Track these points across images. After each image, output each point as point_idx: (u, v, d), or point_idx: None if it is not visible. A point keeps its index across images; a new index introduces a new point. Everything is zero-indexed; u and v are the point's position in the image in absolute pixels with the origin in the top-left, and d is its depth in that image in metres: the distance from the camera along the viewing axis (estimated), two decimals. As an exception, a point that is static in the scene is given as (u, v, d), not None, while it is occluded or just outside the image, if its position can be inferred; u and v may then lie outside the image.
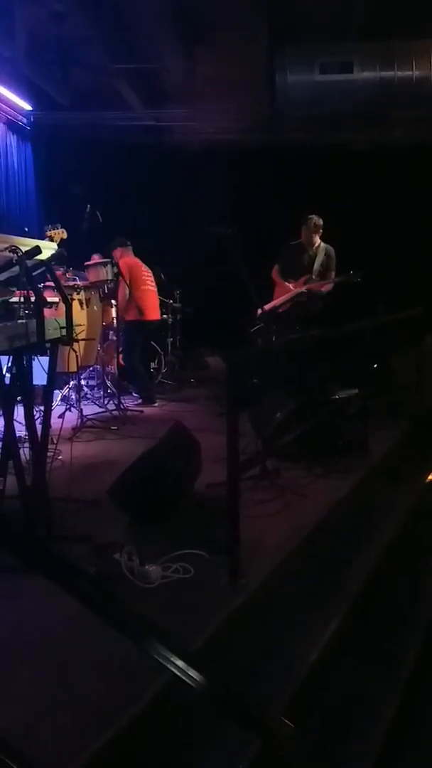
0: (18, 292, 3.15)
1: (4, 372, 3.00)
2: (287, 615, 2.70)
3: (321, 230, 6.28)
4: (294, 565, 2.98)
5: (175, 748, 1.92)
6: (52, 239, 5.02)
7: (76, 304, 5.57)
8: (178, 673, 1.35)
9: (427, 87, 6.78)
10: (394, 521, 3.81)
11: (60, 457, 4.20)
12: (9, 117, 7.92)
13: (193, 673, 1.33)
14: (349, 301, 6.45)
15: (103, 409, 6.05)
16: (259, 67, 6.97)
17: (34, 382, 3.22)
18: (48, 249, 3.31)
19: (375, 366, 5.37)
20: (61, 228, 5.23)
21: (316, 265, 6.26)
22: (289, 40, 6.75)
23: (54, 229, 5.22)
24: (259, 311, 5.43)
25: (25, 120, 8.30)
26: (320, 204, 7.83)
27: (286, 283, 6.30)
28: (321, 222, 6.27)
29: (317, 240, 6.31)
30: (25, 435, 3.18)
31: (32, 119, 8.39)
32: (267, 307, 6.02)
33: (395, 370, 6.06)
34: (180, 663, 1.35)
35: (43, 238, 4.76)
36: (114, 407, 6.01)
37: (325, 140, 8.36)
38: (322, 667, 2.47)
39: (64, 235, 5.18)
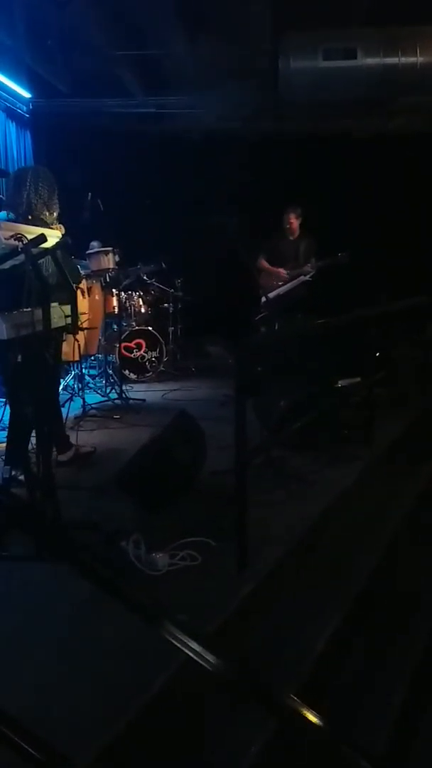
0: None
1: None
2: (295, 603, 2.71)
3: (300, 218, 6.53)
4: (301, 553, 2.98)
5: (188, 730, 1.93)
6: None
7: (78, 293, 5.54)
8: (194, 656, 1.35)
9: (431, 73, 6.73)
10: (400, 509, 3.82)
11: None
12: (8, 104, 7.85)
13: (208, 655, 1.34)
14: (351, 289, 6.47)
15: (105, 398, 6.05)
16: (262, 54, 6.91)
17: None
18: (53, 237, 3.30)
19: (378, 354, 5.35)
20: None
21: (301, 253, 6.50)
22: (292, 25, 6.70)
23: None
24: (263, 299, 5.43)
25: (24, 107, 8.22)
26: (324, 191, 7.82)
27: (280, 270, 6.40)
28: (300, 210, 6.53)
29: (297, 228, 6.54)
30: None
31: (31, 106, 8.31)
32: (271, 295, 6.03)
33: (400, 359, 6.05)
34: (195, 646, 1.36)
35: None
36: (116, 396, 6.02)
37: (328, 127, 8.30)
38: (331, 654, 2.48)
39: None
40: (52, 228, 3.81)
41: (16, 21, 6.61)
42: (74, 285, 4.13)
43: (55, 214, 4.00)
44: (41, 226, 3.83)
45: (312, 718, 1.31)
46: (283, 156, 8.26)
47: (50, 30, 6.82)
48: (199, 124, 8.43)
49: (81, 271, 5.07)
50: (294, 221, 6.50)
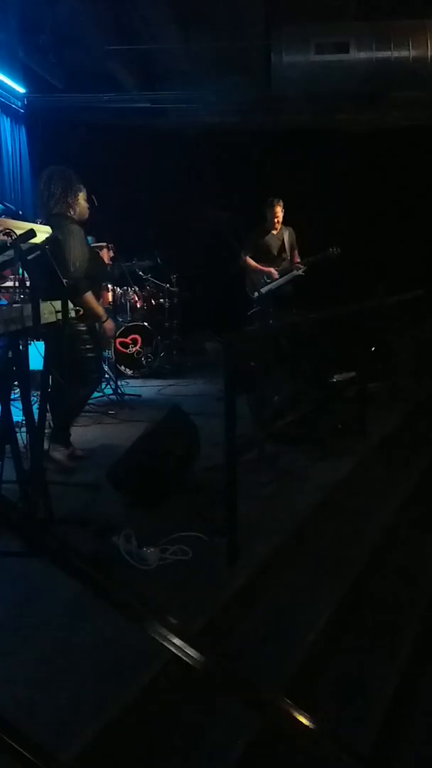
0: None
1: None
2: (286, 597, 2.71)
3: (283, 211, 6.42)
4: (292, 548, 2.99)
5: (174, 726, 1.93)
6: None
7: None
8: (177, 652, 1.35)
9: (424, 67, 6.71)
10: (393, 503, 3.82)
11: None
12: (2, 100, 7.83)
13: (191, 651, 1.34)
14: (348, 282, 6.47)
15: (100, 394, 6.04)
16: (255, 48, 6.89)
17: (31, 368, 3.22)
18: (43, 232, 3.28)
19: (373, 349, 5.35)
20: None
21: (287, 246, 6.42)
22: (284, 19, 6.67)
23: None
24: (256, 294, 5.43)
25: (18, 102, 8.19)
26: (317, 185, 7.80)
27: (270, 269, 6.34)
28: (282, 203, 6.41)
29: (280, 221, 6.45)
30: (23, 420, 3.17)
31: (26, 102, 8.28)
32: (263, 290, 6.02)
33: (395, 353, 6.05)
34: (178, 642, 1.36)
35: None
36: (111, 391, 6.01)
37: (321, 121, 8.29)
38: (321, 647, 2.48)
39: None
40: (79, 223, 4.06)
41: (10, 16, 6.60)
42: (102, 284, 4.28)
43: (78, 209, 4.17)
44: (65, 223, 3.95)
45: (297, 715, 1.31)
46: (278, 150, 8.25)
47: (44, 25, 6.80)
48: (193, 119, 8.41)
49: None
50: (281, 213, 6.42)
